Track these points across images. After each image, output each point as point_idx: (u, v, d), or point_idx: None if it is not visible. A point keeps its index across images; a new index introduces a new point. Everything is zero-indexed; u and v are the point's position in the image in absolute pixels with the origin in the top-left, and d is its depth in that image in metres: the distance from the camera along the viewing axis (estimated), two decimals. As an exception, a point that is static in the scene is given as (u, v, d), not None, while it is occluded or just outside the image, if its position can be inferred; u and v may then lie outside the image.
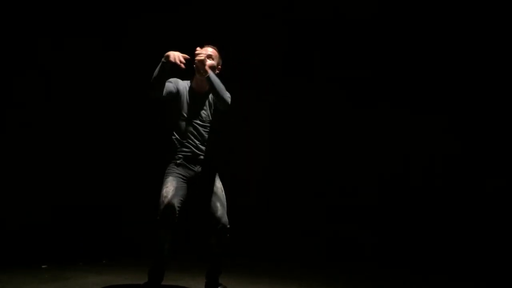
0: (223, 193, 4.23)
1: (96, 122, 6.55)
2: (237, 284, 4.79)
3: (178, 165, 4.18)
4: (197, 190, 4.22)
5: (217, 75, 4.18)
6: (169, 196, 4.04)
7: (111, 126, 6.56)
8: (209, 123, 4.23)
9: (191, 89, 4.25)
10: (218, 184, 4.23)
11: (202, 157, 4.20)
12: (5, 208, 5.98)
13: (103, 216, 6.39)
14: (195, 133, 4.19)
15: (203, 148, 4.19)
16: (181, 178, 4.15)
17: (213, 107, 4.24)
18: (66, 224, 6.26)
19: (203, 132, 4.20)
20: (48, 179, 6.28)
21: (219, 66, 4.27)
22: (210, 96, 4.24)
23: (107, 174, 6.50)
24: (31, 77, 6.27)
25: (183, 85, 4.25)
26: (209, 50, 4.21)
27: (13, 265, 5.17)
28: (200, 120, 4.20)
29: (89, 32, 6.49)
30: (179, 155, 4.19)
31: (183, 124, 4.19)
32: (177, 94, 4.20)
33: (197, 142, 4.19)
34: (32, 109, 6.27)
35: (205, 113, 4.22)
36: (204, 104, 4.23)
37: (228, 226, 4.17)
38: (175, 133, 4.22)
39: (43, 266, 5.21)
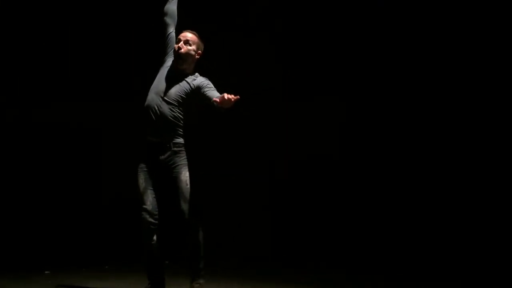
0: (188, 185, 4.11)
1: (97, 121, 6.53)
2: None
3: (142, 153, 4.16)
4: (164, 181, 4.15)
5: (198, 60, 4.24)
6: (141, 189, 4.09)
7: (112, 125, 6.53)
8: (177, 103, 4.12)
9: (171, 64, 4.25)
10: (183, 176, 4.10)
11: (161, 136, 4.09)
12: (6, 212, 5.97)
13: (106, 219, 6.37)
14: (157, 108, 4.09)
15: (164, 127, 4.09)
16: (146, 167, 4.12)
17: (191, 91, 4.14)
18: (69, 229, 6.24)
19: (168, 110, 4.09)
20: (50, 182, 6.26)
21: (199, 51, 4.25)
22: (191, 81, 4.17)
23: (109, 176, 6.47)
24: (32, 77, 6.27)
25: (171, 59, 4.27)
26: (188, 35, 4.22)
27: (15, 271, 5.17)
28: (166, 96, 4.11)
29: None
30: (148, 139, 4.13)
31: (152, 95, 4.16)
32: (166, 52, 4.28)
33: (159, 115, 4.08)
34: (31, 108, 6.25)
35: (175, 92, 4.13)
36: (177, 83, 4.16)
37: (193, 220, 4.09)
38: (145, 103, 4.17)
39: (46, 272, 5.21)
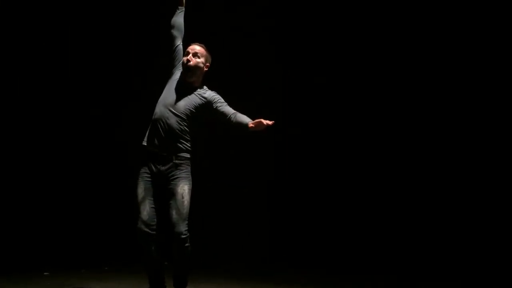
0: (184, 199, 4.01)
1: (98, 120, 6.52)
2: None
3: (143, 162, 4.09)
4: (163, 191, 4.08)
5: (205, 73, 4.21)
6: (139, 199, 4.04)
7: (113, 124, 6.53)
8: (185, 117, 4.07)
9: (180, 77, 4.21)
10: (181, 189, 4.02)
11: (166, 149, 4.04)
12: (5, 213, 5.96)
13: (105, 220, 6.36)
14: (165, 120, 4.04)
15: (170, 140, 4.04)
16: (147, 177, 4.06)
17: (200, 105, 4.11)
18: (68, 230, 6.24)
19: (176, 123, 4.04)
20: (49, 182, 6.25)
21: (207, 64, 4.23)
22: (201, 95, 4.15)
23: (108, 176, 6.46)
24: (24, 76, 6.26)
25: (179, 71, 4.23)
26: (196, 48, 4.19)
27: (15, 272, 5.16)
28: (175, 109, 4.07)
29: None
30: (148, 148, 4.08)
31: (160, 108, 4.11)
32: (174, 65, 4.23)
33: (166, 128, 4.03)
34: (27, 107, 6.25)
35: (184, 105, 4.08)
36: (186, 96, 4.12)
37: (183, 236, 3.97)
38: (154, 116, 4.12)
39: (45, 273, 5.21)
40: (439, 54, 6.37)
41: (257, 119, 3.96)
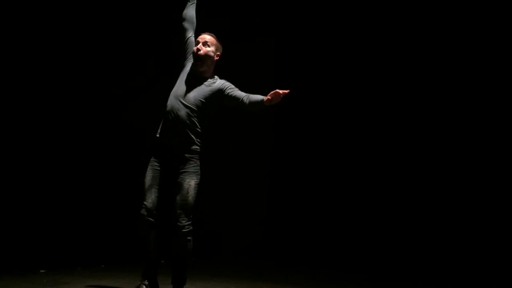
0: (189, 194, 4.02)
1: (97, 119, 6.51)
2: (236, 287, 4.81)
3: (155, 153, 4.13)
4: (170, 183, 4.09)
5: (216, 62, 4.22)
6: (146, 186, 4.07)
7: (111, 123, 6.52)
8: (196, 108, 4.08)
9: (191, 68, 4.23)
10: (187, 184, 4.04)
11: (176, 140, 4.06)
12: (1, 211, 5.95)
13: (102, 218, 6.35)
14: (176, 112, 4.06)
15: (180, 132, 4.06)
16: (156, 166, 4.09)
17: (210, 95, 4.13)
18: (65, 227, 6.22)
19: (185, 115, 4.06)
20: (46, 180, 6.24)
21: (218, 53, 4.24)
22: (210, 85, 4.16)
23: (106, 175, 6.46)
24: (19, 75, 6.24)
25: (190, 63, 4.25)
26: (207, 37, 4.21)
27: (11, 270, 5.15)
28: (185, 101, 4.08)
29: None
30: (160, 139, 4.11)
31: (172, 99, 4.14)
32: (186, 57, 4.26)
33: (177, 120, 4.05)
34: (26, 107, 6.23)
35: (194, 97, 4.10)
36: (196, 87, 4.14)
37: (185, 230, 4.00)
38: (166, 108, 4.14)
39: (41, 271, 5.20)
40: (438, 53, 6.41)
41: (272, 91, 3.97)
